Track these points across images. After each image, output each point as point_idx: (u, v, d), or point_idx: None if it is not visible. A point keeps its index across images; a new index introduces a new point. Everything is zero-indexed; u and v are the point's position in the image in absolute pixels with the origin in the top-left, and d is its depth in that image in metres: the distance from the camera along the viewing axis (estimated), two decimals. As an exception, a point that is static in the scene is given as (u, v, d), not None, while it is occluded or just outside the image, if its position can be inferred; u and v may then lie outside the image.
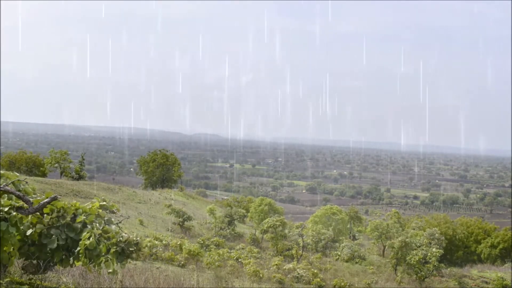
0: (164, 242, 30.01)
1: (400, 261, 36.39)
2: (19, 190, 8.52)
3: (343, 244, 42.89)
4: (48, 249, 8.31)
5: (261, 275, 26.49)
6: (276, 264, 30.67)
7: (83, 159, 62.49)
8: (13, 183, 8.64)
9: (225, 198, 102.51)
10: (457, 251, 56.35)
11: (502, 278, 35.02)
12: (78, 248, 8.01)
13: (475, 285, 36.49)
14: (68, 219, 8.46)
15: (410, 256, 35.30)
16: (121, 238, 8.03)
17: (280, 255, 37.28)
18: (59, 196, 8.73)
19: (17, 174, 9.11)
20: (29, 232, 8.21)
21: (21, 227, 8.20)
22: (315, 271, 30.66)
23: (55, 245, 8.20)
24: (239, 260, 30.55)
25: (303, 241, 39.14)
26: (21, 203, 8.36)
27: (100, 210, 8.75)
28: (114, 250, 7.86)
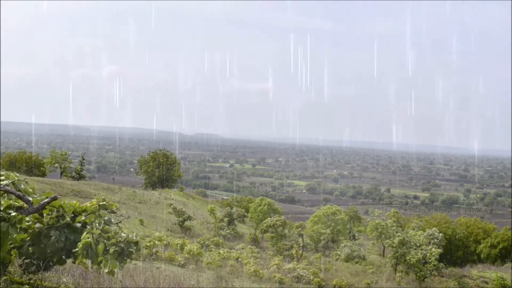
0: (164, 242, 30.03)
1: (399, 260, 36.37)
2: (19, 190, 8.52)
3: (343, 244, 42.90)
4: (48, 249, 8.32)
5: (261, 275, 26.50)
6: (276, 264, 30.64)
7: (83, 159, 62.58)
8: (13, 183, 8.64)
9: (225, 198, 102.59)
10: (457, 251, 56.32)
11: (502, 278, 35.00)
12: (77, 249, 8.01)
13: (475, 285, 36.49)
14: (68, 219, 8.46)
15: (410, 256, 35.26)
16: (120, 238, 8.03)
17: (280, 255, 37.26)
18: (59, 196, 8.73)
19: (17, 174, 9.11)
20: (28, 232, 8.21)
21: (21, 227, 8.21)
22: (315, 270, 30.64)
23: (55, 247, 8.20)
24: (239, 260, 30.53)
25: (303, 241, 39.15)
26: (21, 203, 8.36)
27: (100, 210, 8.76)
28: (113, 250, 7.86)
